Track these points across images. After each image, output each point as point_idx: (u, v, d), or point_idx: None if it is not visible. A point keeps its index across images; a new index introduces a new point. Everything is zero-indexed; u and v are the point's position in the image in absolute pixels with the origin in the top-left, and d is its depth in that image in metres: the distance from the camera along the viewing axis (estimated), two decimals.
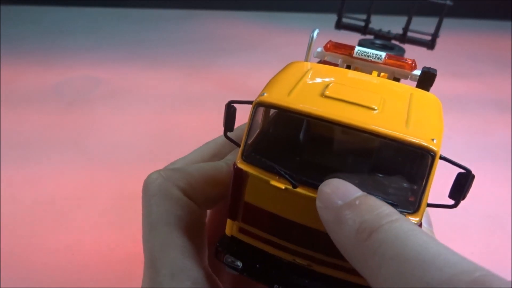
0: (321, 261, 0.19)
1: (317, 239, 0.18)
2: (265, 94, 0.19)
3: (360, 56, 0.24)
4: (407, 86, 0.22)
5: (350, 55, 0.24)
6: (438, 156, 0.17)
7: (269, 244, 0.20)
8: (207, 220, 0.24)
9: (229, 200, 0.20)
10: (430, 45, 0.51)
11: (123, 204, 0.46)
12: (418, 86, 0.22)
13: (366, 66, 0.24)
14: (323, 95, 0.19)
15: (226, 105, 0.20)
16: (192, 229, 0.21)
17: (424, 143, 0.17)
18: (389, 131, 0.17)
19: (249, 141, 0.20)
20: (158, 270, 0.20)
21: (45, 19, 1.08)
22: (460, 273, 0.12)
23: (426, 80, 0.22)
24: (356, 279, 0.19)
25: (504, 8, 1.23)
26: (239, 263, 0.20)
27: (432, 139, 0.17)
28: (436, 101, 0.21)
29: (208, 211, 0.26)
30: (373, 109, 0.18)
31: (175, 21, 1.12)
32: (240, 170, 0.19)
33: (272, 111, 0.22)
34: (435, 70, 0.22)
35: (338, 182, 0.17)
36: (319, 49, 0.25)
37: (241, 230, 0.20)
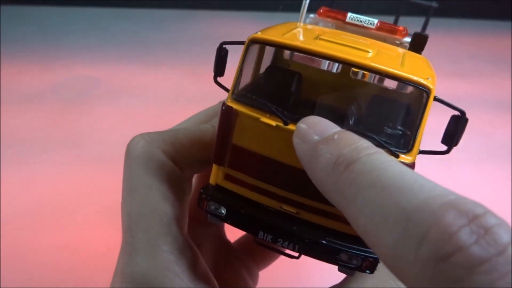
0: (309, 207, 0.18)
1: (306, 182, 0.18)
2: (259, 32, 0.19)
3: (353, 22, 0.24)
4: (399, 48, 0.22)
5: (343, 20, 0.24)
6: (432, 94, 0.17)
7: (256, 191, 0.19)
8: (190, 196, 0.24)
9: (216, 143, 0.19)
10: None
11: None
12: (410, 49, 0.23)
13: (358, 32, 0.24)
14: (318, 38, 0.19)
15: (217, 47, 0.20)
16: (173, 194, 0.20)
17: (420, 79, 0.17)
18: (387, 67, 0.17)
19: (239, 85, 0.19)
20: (134, 234, 0.19)
21: (45, 19, 1.08)
22: (434, 196, 0.12)
23: (417, 44, 0.22)
24: (343, 228, 0.18)
25: (504, 8, 1.23)
26: (223, 210, 0.19)
27: (427, 78, 0.17)
28: (427, 60, 0.21)
29: (193, 189, 0.25)
30: (368, 51, 0.18)
31: (175, 21, 1.12)
32: (230, 108, 0.18)
33: (263, 64, 0.21)
34: (427, 34, 0.22)
35: (316, 118, 0.17)
36: (312, 15, 0.25)
37: (226, 177, 0.19)
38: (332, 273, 0.19)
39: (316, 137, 0.16)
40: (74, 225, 0.43)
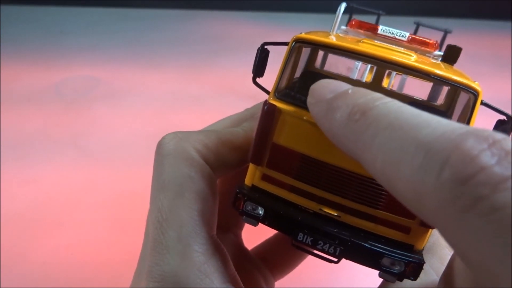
0: (350, 210, 0.18)
1: (347, 182, 0.17)
2: (302, 33, 0.18)
3: (384, 33, 0.23)
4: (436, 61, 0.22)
5: (375, 32, 0.24)
6: (480, 96, 0.17)
7: (294, 192, 0.19)
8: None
9: (255, 142, 0.19)
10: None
11: (123, 203, 0.46)
12: (442, 61, 0.22)
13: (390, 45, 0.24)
14: (360, 41, 0.19)
15: (258, 48, 0.19)
16: (205, 194, 0.20)
17: (469, 82, 0.17)
18: (436, 70, 0.17)
19: (283, 83, 0.19)
20: (164, 232, 0.18)
21: (45, 19, 1.08)
22: (452, 128, 0.12)
23: (451, 55, 0.22)
24: (386, 232, 0.18)
25: (504, 8, 1.23)
26: (260, 211, 0.18)
27: (474, 81, 0.17)
28: (462, 71, 0.21)
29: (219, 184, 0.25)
30: (411, 55, 0.18)
31: (175, 21, 1.12)
32: (272, 106, 0.18)
33: (298, 70, 0.21)
34: (460, 47, 0.22)
35: (327, 79, 0.16)
36: (343, 27, 0.25)
37: (264, 177, 0.19)
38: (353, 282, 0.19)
39: (330, 95, 0.15)
40: (74, 225, 0.43)
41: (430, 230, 0.17)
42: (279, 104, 0.18)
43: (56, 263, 0.39)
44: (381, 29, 0.24)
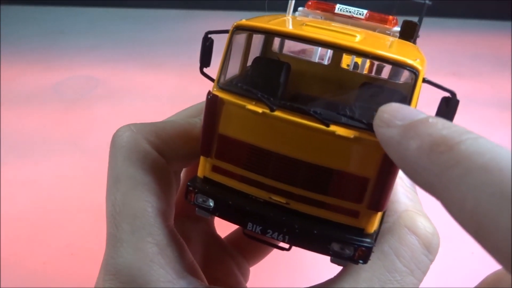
0: (298, 197, 0.18)
1: (295, 170, 0.17)
2: (243, 19, 0.18)
3: (342, 13, 0.23)
4: (389, 37, 0.22)
5: (332, 11, 0.24)
6: (421, 75, 0.17)
7: (244, 182, 0.18)
8: (179, 190, 0.23)
9: (202, 133, 0.18)
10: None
11: None
12: (400, 37, 0.22)
13: (348, 23, 0.24)
14: (303, 24, 0.19)
15: (203, 37, 0.19)
16: (159, 185, 0.20)
17: (408, 60, 0.17)
18: (374, 49, 0.16)
19: (226, 75, 0.19)
20: (118, 225, 0.18)
21: (45, 19, 1.08)
22: None
23: (407, 31, 0.22)
24: (334, 217, 0.18)
25: (504, 8, 1.23)
26: (211, 203, 0.19)
27: (416, 59, 0.17)
28: (417, 47, 0.21)
29: (181, 183, 0.25)
30: (355, 36, 0.18)
31: (175, 21, 1.12)
32: (215, 97, 0.18)
33: (250, 58, 0.21)
34: (416, 22, 0.22)
35: (397, 104, 0.15)
36: (300, 8, 0.25)
37: (214, 168, 0.19)
38: (325, 268, 0.19)
39: (404, 121, 0.15)
40: (74, 225, 0.43)
41: (379, 213, 0.17)
42: (221, 95, 0.18)
43: (56, 263, 0.39)
44: (338, 8, 0.23)
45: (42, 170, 0.51)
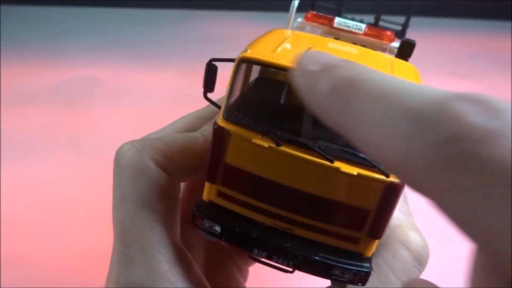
0: (302, 224, 0.19)
1: (299, 200, 0.18)
2: (248, 50, 0.19)
3: (340, 27, 0.24)
4: (387, 55, 0.22)
5: (331, 25, 0.24)
6: None
7: (248, 208, 0.19)
8: (181, 197, 0.23)
9: (209, 162, 0.19)
10: (400, 35, 0.52)
11: None
12: (397, 56, 0.23)
13: (346, 37, 0.24)
14: (311, 48, 0.19)
15: (206, 64, 0.20)
16: (165, 202, 0.20)
17: None
18: None
19: (230, 102, 0.19)
20: (127, 244, 0.19)
21: (45, 19, 1.08)
22: (438, 94, 0.11)
23: (405, 50, 0.22)
24: (335, 242, 0.19)
25: (504, 8, 1.23)
26: (217, 228, 0.19)
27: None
28: (415, 69, 0.21)
29: (182, 189, 0.25)
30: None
31: (175, 21, 1.12)
32: (222, 129, 0.18)
33: (252, 76, 0.22)
34: (414, 41, 0.22)
35: (314, 51, 0.16)
36: (299, 19, 0.25)
37: (219, 194, 0.19)
38: None
39: (317, 67, 0.15)
40: (75, 225, 0.43)
41: (377, 240, 0.19)
42: (228, 126, 0.18)
43: (56, 263, 0.39)
44: (337, 22, 0.24)
45: (42, 170, 0.51)
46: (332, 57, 0.15)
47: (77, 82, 0.76)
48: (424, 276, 0.20)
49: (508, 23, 1.21)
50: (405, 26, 0.30)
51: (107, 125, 0.62)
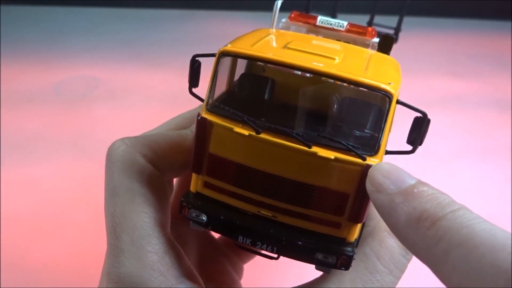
0: (285, 210, 0.19)
1: (281, 187, 0.19)
2: (228, 44, 0.19)
3: (323, 25, 0.24)
4: (368, 50, 0.23)
5: (314, 24, 0.25)
6: (395, 99, 0.18)
7: (234, 197, 0.20)
8: (174, 194, 0.24)
9: (193, 152, 0.20)
10: (395, 38, 0.53)
11: None
12: (378, 50, 0.23)
13: (329, 35, 0.25)
14: (285, 47, 0.20)
15: (190, 60, 0.20)
16: (155, 196, 0.21)
17: (382, 84, 0.18)
18: (348, 74, 0.18)
19: (214, 96, 0.20)
20: (118, 236, 0.20)
21: (45, 19, 1.08)
22: None
23: (385, 44, 0.23)
24: (318, 228, 0.19)
25: (504, 8, 1.23)
26: (203, 217, 0.20)
27: (389, 83, 0.18)
28: (394, 61, 0.22)
29: (175, 187, 0.26)
30: (334, 59, 0.19)
31: (175, 21, 1.12)
32: (204, 119, 0.19)
33: (237, 73, 0.22)
34: (393, 35, 0.23)
35: (388, 166, 0.17)
36: (283, 20, 0.26)
37: (205, 184, 0.20)
38: (313, 266, 0.20)
39: (392, 187, 0.16)
40: (74, 225, 0.43)
41: (359, 224, 0.19)
42: (210, 117, 0.19)
43: (56, 263, 0.39)
44: (320, 20, 0.25)
45: (42, 170, 0.51)
46: (407, 177, 0.16)
47: (77, 82, 0.76)
48: (412, 265, 0.21)
49: (508, 23, 1.21)
50: (397, 29, 0.31)
51: (106, 125, 0.62)
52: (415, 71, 0.83)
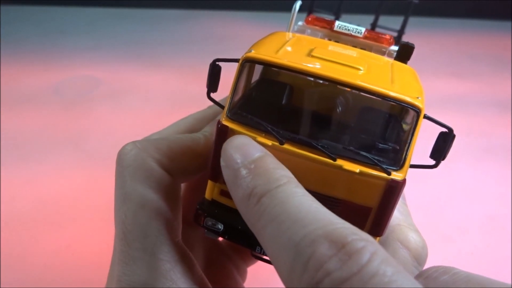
0: None
1: None
2: (252, 51, 0.19)
3: (340, 30, 0.24)
4: (386, 58, 0.23)
5: (331, 29, 0.24)
6: (423, 113, 0.18)
7: None
8: (182, 197, 0.24)
9: (211, 160, 0.19)
10: (396, 39, 0.53)
11: None
12: (396, 59, 0.23)
13: (346, 41, 0.24)
14: (310, 55, 0.19)
15: (210, 64, 0.20)
16: (167, 203, 0.21)
17: (410, 99, 0.17)
18: (377, 87, 0.17)
19: (235, 103, 0.20)
20: (129, 243, 0.19)
21: (45, 19, 1.08)
22: (316, 228, 0.13)
23: (404, 53, 0.23)
24: None
25: (504, 8, 1.23)
26: (220, 226, 0.19)
27: (417, 97, 0.18)
28: (413, 71, 0.22)
29: (182, 190, 0.25)
30: (359, 69, 0.19)
31: (175, 21, 1.12)
32: (225, 127, 0.18)
33: (254, 76, 0.22)
34: (413, 44, 0.23)
35: (241, 139, 0.17)
36: (300, 23, 0.25)
37: (222, 192, 0.20)
38: None
39: (239, 161, 0.16)
40: (75, 225, 0.43)
41: (378, 238, 0.19)
42: (231, 125, 0.18)
43: (56, 263, 0.39)
44: (337, 25, 0.24)
45: (42, 170, 0.51)
46: (253, 151, 0.17)
47: (77, 82, 0.76)
48: None
49: (508, 23, 1.21)
50: (400, 32, 0.31)
51: (106, 125, 0.62)
52: (415, 71, 0.82)
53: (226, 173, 0.17)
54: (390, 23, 0.32)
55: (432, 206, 0.48)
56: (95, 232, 0.42)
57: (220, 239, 0.30)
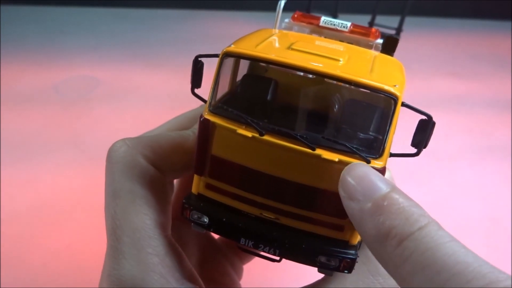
0: (287, 213, 0.19)
1: (284, 189, 0.18)
2: (232, 45, 0.19)
3: (326, 25, 0.24)
4: (372, 51, 0.23)
5: (317, 24, 0.25)
6: (400, 101, 0.18)
7: (236, 199, 0.20)
8: (174, 196, 0.24)
9: (196, 154, 0.19)
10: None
11: None
12: (382, 51, 0.23)
13: (332, 36, 0.25)
14: (289, 48, 0.20)
15: (193, 60, 0.20)
16: (156, 198, 0.21)
17: (387, 87, 0.18)
18: (352, 76, 0.17)
19: (216, 97, 0.20)
20: (119, 237, 0.19)
21: (45, 19, 1.08)
22: (483, 286, 0.12)
23: (389, 46, 0.23)
24: (321, 230, 0.19)
25: (504, 8, 1.23)
26: (205, 219, 0.20)
27: (395, 85, 0.18)
28: (399, 63, 0.22)
29: (176, 189, 0.26)
30: (338, 60, 0.19)
31: (175, 21, 1.12)
32: (207, 121, 0.19)
33: (240, 74, 0.22)
34: (398, 36, 0.23)
35: (361, 170, 0.17)
36: (286, 20, 0.26)
37: (207, 186, 0.20)
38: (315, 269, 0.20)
39: (363, 196, 0.16)
40: (74, 225, 0.43)
41: None
42: (213, 119, 0.19)
43: (56, 263, 0.39)
44: (323, 20, 0.24)
45: (42, 170, 0.51)
46: (379, 186, 0.16)
47: (76, 82, 0.76)
48: None
49: (508, 23, 1.21)
50: (398, 30, 0.31)
51: (106, 125, 0.62)
52: (415, 71, 0.83)
53: (349, 205, 0.16)
54: (388, 22, 0.32)
55: (432, 206, 0.48)
56: (95, 232, 0.42)
57: (217, 237, 0.30)
